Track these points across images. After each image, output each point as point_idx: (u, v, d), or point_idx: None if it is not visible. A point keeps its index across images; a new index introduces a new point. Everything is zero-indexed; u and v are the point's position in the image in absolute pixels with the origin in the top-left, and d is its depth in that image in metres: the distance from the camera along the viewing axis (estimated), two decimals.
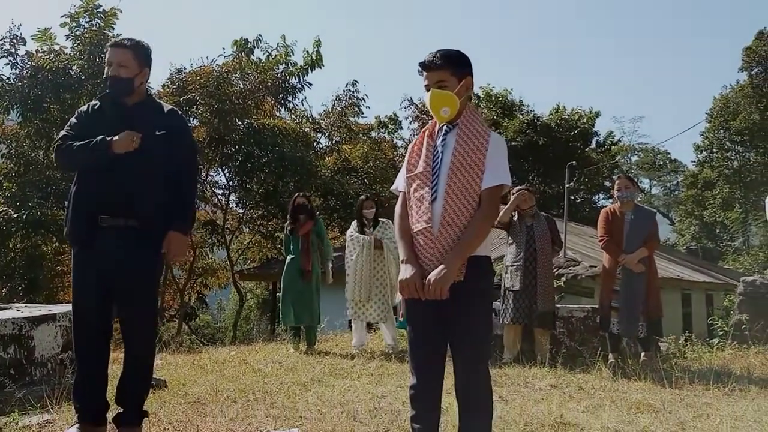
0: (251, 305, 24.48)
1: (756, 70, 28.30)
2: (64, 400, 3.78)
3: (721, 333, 7.00)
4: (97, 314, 3.14)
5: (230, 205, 17.53)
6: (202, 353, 7.13)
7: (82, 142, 3.08)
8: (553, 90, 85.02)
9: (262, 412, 3.86)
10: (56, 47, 12.43)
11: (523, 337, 6.17)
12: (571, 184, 16.46)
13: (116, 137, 3.03)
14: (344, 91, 19.61)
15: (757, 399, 4.44)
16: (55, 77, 11.93)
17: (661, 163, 41.60)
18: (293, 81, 16.34)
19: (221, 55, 16.10)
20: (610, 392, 4.65)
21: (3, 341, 3.99)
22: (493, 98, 30.07)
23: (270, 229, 17.63)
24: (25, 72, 12.21)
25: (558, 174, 23.48)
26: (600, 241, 6.03)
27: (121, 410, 3.18)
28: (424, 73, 2.61)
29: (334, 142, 19.61)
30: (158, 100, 3.47)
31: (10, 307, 4.96)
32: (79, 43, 12.38)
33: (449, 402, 2.98)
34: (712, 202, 30.24)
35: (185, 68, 15.21)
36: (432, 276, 2.43)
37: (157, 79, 16.30)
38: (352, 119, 19.83)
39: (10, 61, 12.29)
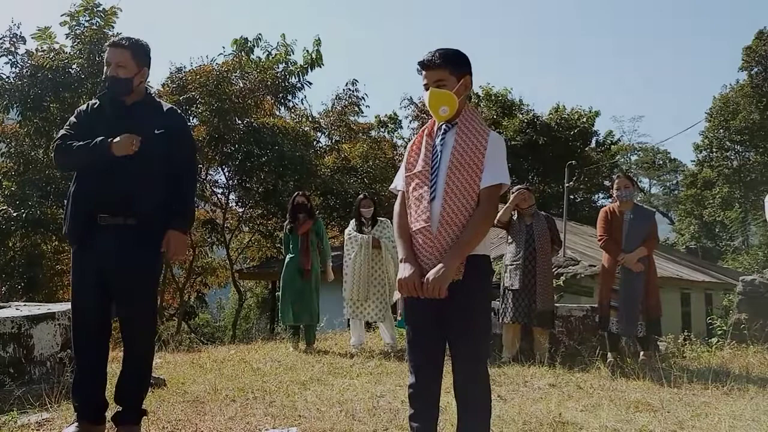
0: (251, 304, 24.50)
1: (756, 69, 28.32)
2: (63, 398, 3.78)
3: (720, 332, 7.01)
4: (96, 313, 3.14)
5: (230, 204, 17.55)
6: (202, 352, 7.13)
7: (81, 143, 3.08)
8: (553, 89, 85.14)
9: (260, 411, 3.86)
10: (56, 46, 12.45)
11: (522, 336, 6.17)
12: (571, 183, 16.48)
13: (116, 139, 3.03)
14: (344, 90, 19.65)
15: (755, 398, 4.44)
16: (54, 76, 11.94)
17: (661, 162, 41.61)
18: (293, 80, 16.38)
19: (221, 54, 16.16)
20: (608, 391, 4.65)
21: (2, 340, 3.99)
22: (493, 97, 30.08)
23: (269, 228, 17.64)
24: (24, 71, 12.23)
25: (557, 173, 23.50)
26: (599, 240, 6.03)
27: (120, 409, 3.18)
28: (423, 72, 2.61)
29: (333, 141, 19.62)
30: (158, 99, 3.47)
31: (10, 306, 4.95)
32: (79, 42, 12.39)
33: (448, 401, 2.98)
34: (711, 201, 30.25)
35: (185, 67, 15.25)
36: (430, 275, 2.43)
37: (156, 78, 16.34)
38: (351, 118, 19.84)
39: (9, 59, 12.32)
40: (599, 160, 29.02)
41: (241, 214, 18.00)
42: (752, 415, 3.97)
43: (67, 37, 12.55)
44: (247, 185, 16.42)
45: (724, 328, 7.08)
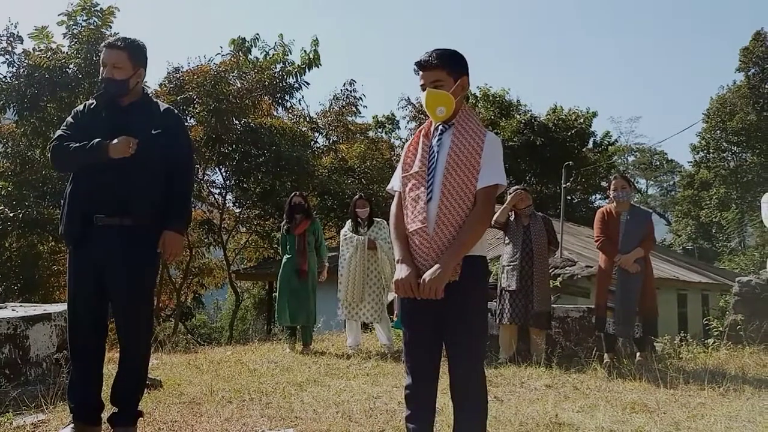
0: (248, 305, 24.47)
1: (753, 70, 28.41)
2: (59, 399, 3.77)
3: (716, 333, 6.99)
4: (92, 313, 3.14)
5: (227, 205, 17.55)
6: (198, 353, 7.12)
7: (78, 144, 3.08)
8: (551, 90, 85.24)
9: (257, 413, 3.86)
10: (53, 46, 12.43)
11: (519, 337, 6.17)
12: (568, 184, 16.50)
13: (114, 141, 3.03)
14: (342, 90, 19.65)
15: (751, 399, 4.45)
16: (52, 76, 11.91)
17: (658, 163, 41.71)
18: (290, 80, 16.38)
19: (219, 54, 16.15)
20: (605, 392, 4.65)
21: None
22: (491, 98, 30.14)
23: (267, 228, 17.64)
24: (21, 70, 12.20)
25: (555, 174, 23.53)
26: (596, 241, 6.04)
27: (116, 410, 3.17)
28: (420, 73, 2.61)
29: (331, 141, 19.61)
30: (155, 99, 3.46)
31: (6, 307, 4.94)
32: (76, 42, 12.37)
33: (444, 402, 2.98)
34: (708, 202, 30.32)
35: (182, 67, 15.24)
36: (427, 276, 2.43)
37: (154, 78, 16.35)
38: (349, 119, 19.84)
39: (6, 59, 12.30)
40: (596, 161, 29.08)
41: (238, 214, 17.99)
42: (748, 416, 3.97)
43: (64, 37, 12.54)
44: (245, 185, 16.41)
45: (721, 329, 7.08)
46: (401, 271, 2.50)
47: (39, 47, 12.33)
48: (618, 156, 35.51)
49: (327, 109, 19.88)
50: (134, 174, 3.09)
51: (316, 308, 7.07)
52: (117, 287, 3.11)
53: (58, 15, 12.40)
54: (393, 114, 28.01)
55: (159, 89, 14.45)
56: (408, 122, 28.54)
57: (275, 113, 17.36)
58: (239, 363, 5.92)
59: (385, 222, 6.78)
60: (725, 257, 26.76)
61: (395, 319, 6.64)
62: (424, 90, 2.59)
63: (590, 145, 30.74)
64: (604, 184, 28.00)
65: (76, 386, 3.14)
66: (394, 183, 2.74)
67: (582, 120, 29.21)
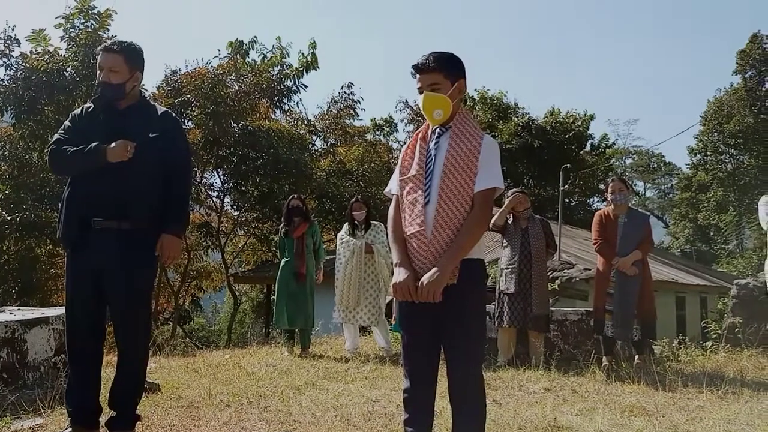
0: (246, 308, 24.46)
1: (750, 73, 28.46)
2: (57, 403, 3.76)
3: (714, 336, 7.00)
4: (90, 317, 3.13)
5: (225, 208, 17.54)
6: (196, 356, 7.11)
7: (76, 148, 3.07)
8: (550, 90, 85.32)
9: (255, 416, 3.85)
10: (51, 49, 12.40)
11: (518, 340, 6.17)
12: (566, 186, 16.52)
13: (112, 145, 3.03)
14: (340, 93, 19.69)
15: (750, 402, 4.45)
16: (49, 79, 11.90)
17: (656, 165, 41.72)
18: (288, 83, 16.40)
19: (216, 56, 16.16)
20: (603, 395, 4.65)
21: None
22: (488, 101, 30.19)
23: (265, 231, 17.63)
24: (19, 73, 12.18)
25: (552, 177, 23.55)
26: (594, 244, 6.04)
27: (114, 414, 3.17)
28: (418, 76, 2.61)
29: (329, 144, 19.63)
30: (152, 103, 3.46)
31: (3, 310, 4.93)
32: (73, 45, 12.35)
33: (443, 405, 2.98)
34: (706, 205, 30.35)
35: (180, 70, 15.24)
36: (425, 279, 2.43)
37: (151, 81, 16.35)
38: (347, 121, 19.87)
39: (4, 62, 12.27)
40: (594, 164, 29.13)
41: (236, 217, 17.98)
42: (747, 419, 3.97)
43: (61, 40, 12.51)
44: (243, 188, 16.40)
45: (719, 331, 7.09)
46: (399, 275, 2.50)
47: (36, 50, 12.31)
48: (616, 158, 35.56)
49: (325, 111, 19.92)
50: (132, 177, 3.09)
51: (314, 311, 7.06)
52: (115, 291, 3.11)
53: (56, 18, 12.39)
54: (391, 117, 28.03)
55: (157, 92, 14.45)
56: (406, 125, 28.56)
57: (273, 116, 17.38)
58: (237, 366, 5.91)
59: (383, 225, 6.77)
60: (723, 260, 26.79)
61: (393, 322, 6.63)
62: (421, 93, 2.60)
63: (588, 147, 30.81)
64: (601, 186, 27.98)
65: (74, 390, 3.13)
66: (392, 186, 2.74)
67: (580, 123, 29.28)
